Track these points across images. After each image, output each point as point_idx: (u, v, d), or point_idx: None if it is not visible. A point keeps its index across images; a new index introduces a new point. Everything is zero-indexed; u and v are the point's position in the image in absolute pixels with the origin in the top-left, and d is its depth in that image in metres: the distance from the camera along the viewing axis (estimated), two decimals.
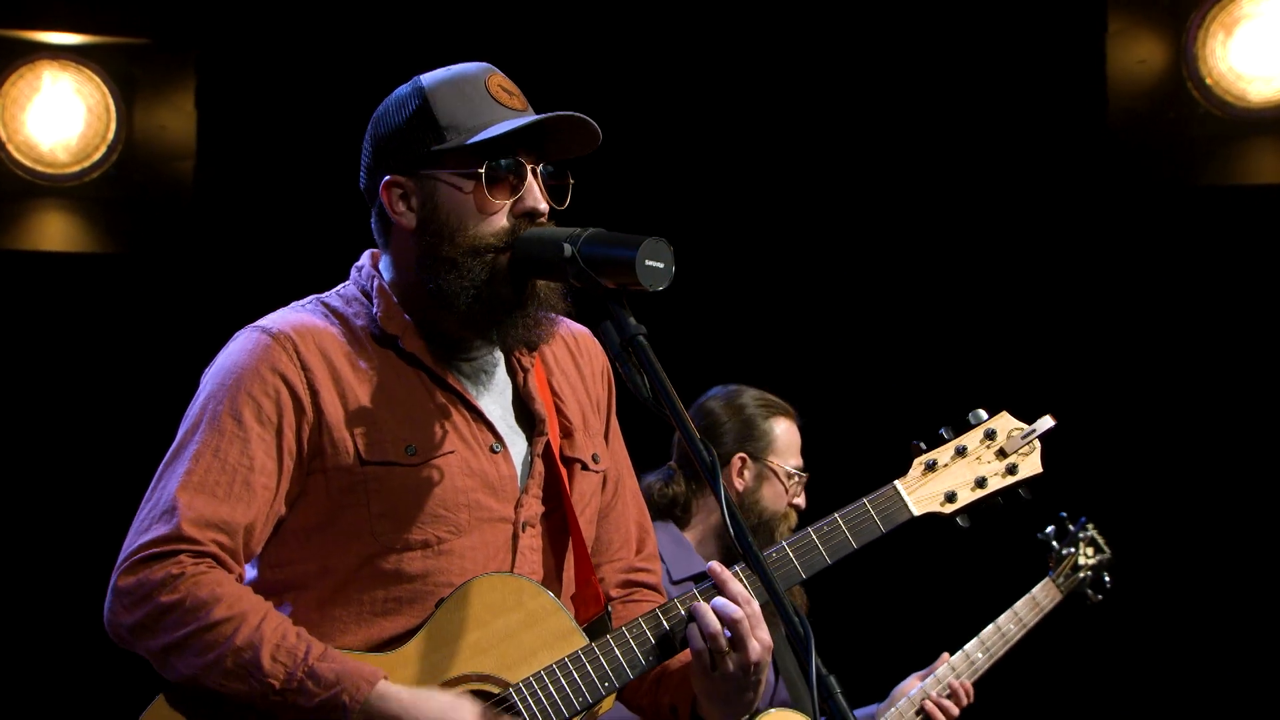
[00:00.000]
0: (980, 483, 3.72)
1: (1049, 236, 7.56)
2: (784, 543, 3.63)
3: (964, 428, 3.76)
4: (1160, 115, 7.21)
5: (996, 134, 7.53)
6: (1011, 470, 3.74)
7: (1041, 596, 5.79)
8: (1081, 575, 5.86)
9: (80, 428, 7.31)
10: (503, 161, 3.50)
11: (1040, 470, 3.73)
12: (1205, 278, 7.49)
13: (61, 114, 7.17)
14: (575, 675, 3.49)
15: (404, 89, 3.58)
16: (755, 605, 3.49)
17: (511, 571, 3.55)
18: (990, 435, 3.75)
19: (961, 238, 7.60)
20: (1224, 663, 7.50)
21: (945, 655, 5.62)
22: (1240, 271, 7.46)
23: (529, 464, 3.62)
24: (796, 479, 5.49)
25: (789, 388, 6.45)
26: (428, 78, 3.56)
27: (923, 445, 3.75)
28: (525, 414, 3.66)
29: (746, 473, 5.46)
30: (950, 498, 3.70)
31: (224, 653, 3.36)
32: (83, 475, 7.21)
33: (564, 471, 3.66)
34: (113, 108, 7.19)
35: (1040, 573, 5.84)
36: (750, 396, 5.56)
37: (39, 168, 7.16)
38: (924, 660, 5.66)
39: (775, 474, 5.46)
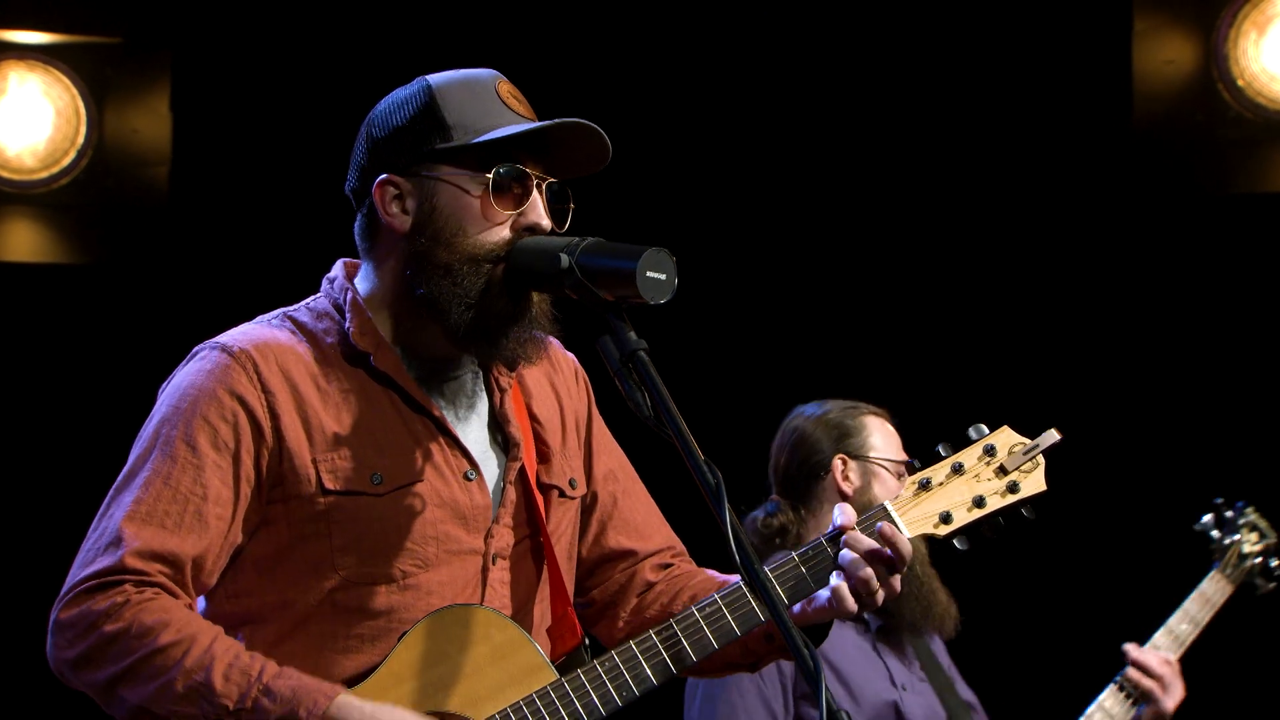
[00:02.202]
0: (979, 502, 3.63)
1: (1071, 246, 7.52)
2: (767, 567, 3.55)
3: (964, 443, 3.70)
4: (1189, 119, 7.18)
5: (1017, 137, 7.49)
6: (1013, 489, 3.64)
7: (1211, 590, 5.65)
8: (1248, 564, 5.70)
9: (50, 447, 7.28)
10: (511, 169, 3.47)
11: (1044, 488, 3.64)
12: (1237, 290, 7.44)
13: (28, 117, 7.12)
14: (544, 713, 3.45)
15: (408, 87, 3.56)
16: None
17: (480, 604, 3.51)
18: (990, 451, 3.67)
19: (979, 245, 7.57)
20: None
21: (1130, 646, 5.53)
22: (1274, 284, 7.42)
23: (501, 491, 3.58)
24: (906, 471, 5.45)
25: (796, 401, 6.41)
26: (435, 77, 3.54)
27: (917, 463, 3.69)
28: (501, 437, 3.62)
29: (852, 474, 5.43)
30: (945, 518, 3.62)
31: (174, 676, 3.32)
32: (54, 497, 7.13)
33: (540, 499, 3.62)
34: (83, 110, 7.15)
35: (1202, 567, 5.70)
36: (834, 403, 5.57)
37: (4, 174, 7.11)
38: (1096, 676, 5.56)
39: (884, 468, 5.43)
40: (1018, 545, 4.33)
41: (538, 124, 3.49)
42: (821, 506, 5.44)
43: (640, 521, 3.82)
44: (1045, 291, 7.55)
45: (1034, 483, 3.64)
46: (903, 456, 5.48)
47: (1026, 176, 7.52)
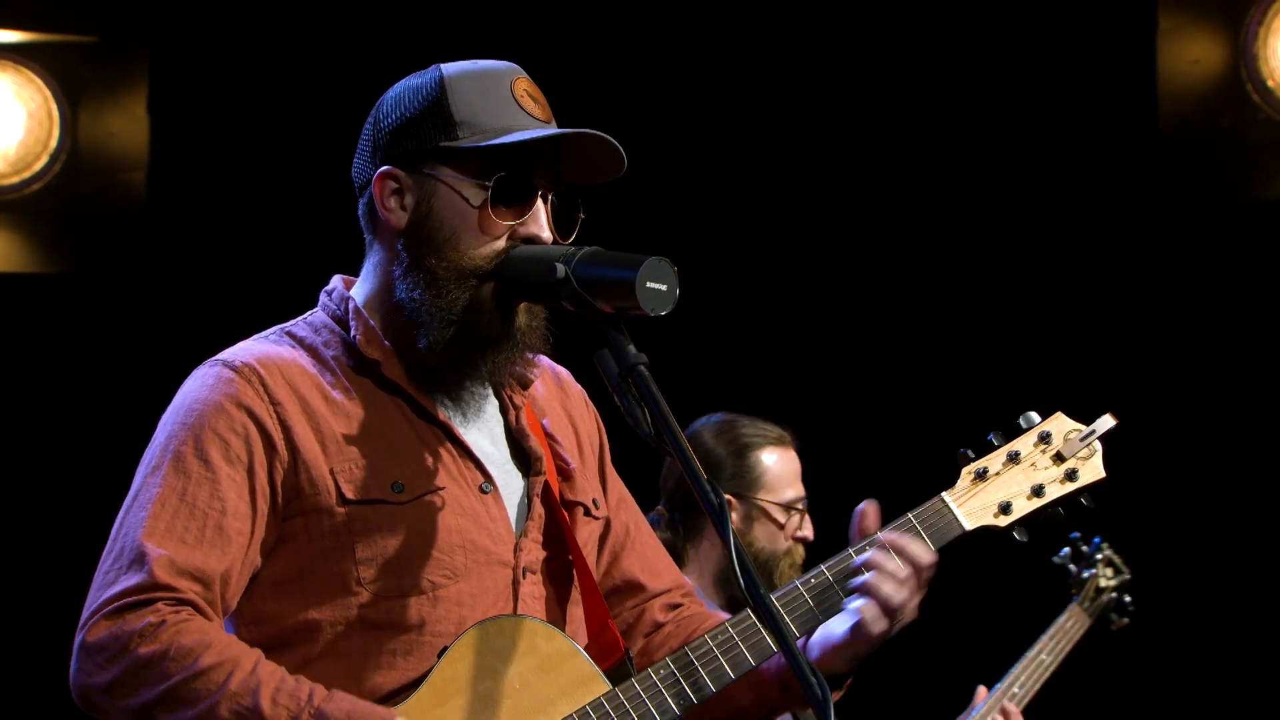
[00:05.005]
0: (1038, 491, 3.63)
1: (1095, 251, 7.55)
2: (823, 566, 3.54)
3: (1015, 432, 3.69)
4: (1216, 121, 7.21)
5: (1039, 141, 7.52)
6: (1071, 476, 3.64)
7: (1070, 623, 5.96)
8: (1105, 599, 6.03)
9: (24, 464, 7.23)
10: (514, 177, 3.45)
11: (1103, 475, 3.65)
12: (1265, 299, 7.46)
13: None
14: None
15: (421, 75, 3.54)
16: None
17: (518, 613, 3.49)
18: (1045, 438, 3.66)
19: (1002, 248, 7.60)
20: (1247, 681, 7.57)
21: (981, 689, 5.72)
22: None
23: (526, 506, 3.57)
24: (795, 512, 5.43)
25: (820, 404, 6.43)
26: (449, 67, 3.52)
27: (970, 453, 3.66)
28: (519, 453, 3.60)
29: (734, 514, 5.39)
30: (1005, 509, 3.61)
31: (217, 700, 3.27)
32: (32, 513, 7.15)
33: (565, 515, 3.60)
34: (56, 112, 7.13)
35: (1060, 600, 6.01)
36: (737, 428, 5.52)
37: None
38: (956, 701, 5.68)
39: (766, 512, 5.41)
40: None
41: (547, 132, 3.46)
42: (702, 536, 5.42)
43: (651, 556, 3.81)
44: (1068, 297, 7.57)
45: (1092, 470, 3.64)
46: (797, 492, 5.46)
47: (1049, 180, 7.54)
